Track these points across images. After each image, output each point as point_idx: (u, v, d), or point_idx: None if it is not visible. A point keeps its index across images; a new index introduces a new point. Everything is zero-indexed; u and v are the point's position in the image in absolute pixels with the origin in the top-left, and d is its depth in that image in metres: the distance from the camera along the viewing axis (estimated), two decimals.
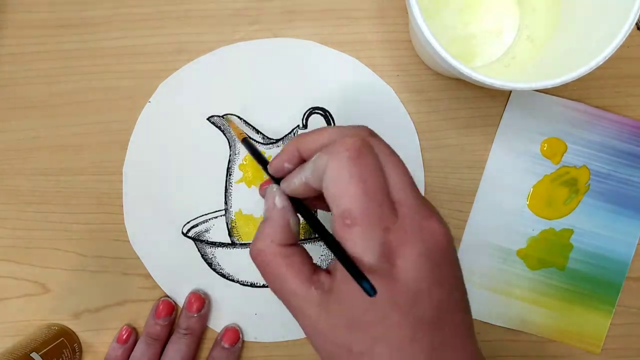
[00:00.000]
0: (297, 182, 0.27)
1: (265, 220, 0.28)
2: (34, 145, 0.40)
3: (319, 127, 0.29)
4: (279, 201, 0.28)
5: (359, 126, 0.28)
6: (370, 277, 0.23)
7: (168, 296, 0.40)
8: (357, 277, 0.23)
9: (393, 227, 0.24)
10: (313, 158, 0.26)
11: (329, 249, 0.25)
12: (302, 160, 0.28)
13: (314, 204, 0.30)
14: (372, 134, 0.27)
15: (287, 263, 0.26)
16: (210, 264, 0.40)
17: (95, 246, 0.40)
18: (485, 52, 0.39)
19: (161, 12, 0.40)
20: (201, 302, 0.39)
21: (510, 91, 0.40)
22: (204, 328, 0.40)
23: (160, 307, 0.39)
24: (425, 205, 0.26)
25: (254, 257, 0.27)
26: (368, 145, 0.26)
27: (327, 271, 0.26)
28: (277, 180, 0.30)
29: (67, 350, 0.38)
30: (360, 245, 0.24)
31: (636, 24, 0.31)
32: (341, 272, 0.25)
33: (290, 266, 0.26)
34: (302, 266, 0.26)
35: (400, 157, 0.27)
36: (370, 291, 0.22)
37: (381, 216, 0.24)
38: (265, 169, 0.31)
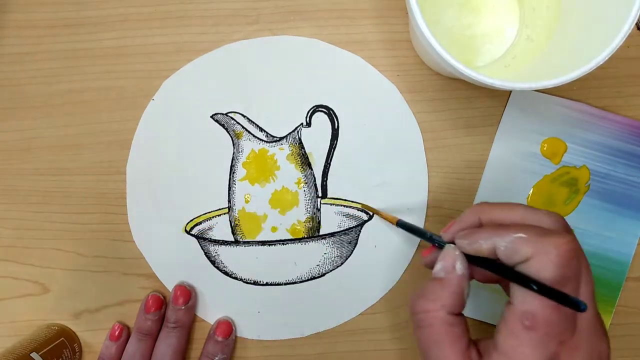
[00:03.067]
0: (486, 247, 0.27)
1: (439, 280, 0.28)
2: (34, 145, 0.40)
3: (504, 202, 0.29)
4: (460, 267, 0.27)
5: (555, 216, 0.27)
6: None
7: (157, 291, 0.40)
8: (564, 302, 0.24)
9: (568, 341, 0.25)
10: (513, 236, 0.26)
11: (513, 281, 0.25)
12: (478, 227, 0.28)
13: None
14: (571, 230, 0.27)
15: (450, 333, 0.26)
16: (213, 262, 0.40)
17: (95, 246, 0.40)
18: (485, 52, 0.39)
19: (161, 12, 0.40)
20: (187, 294, 0.39)
21: (510, 91, 0.40)
22: (192, 320, 0.39)
23: (150, 302, 0.38)
24: (600, 322, 0.26)
25: (417, 313, 0.27)
26: (577, 253, 0.25)
27: (478, 350, 0.27)
28: (439, 244, 0.30)
29: (67, 350, 0.38)
30: (530, 350, 0.24)
31: (636, 24, 0.31)
32: (497, 355, 0.25)
33: (452, 336, 0.26)
34: (461, 338, 0.26)
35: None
36: (582, 304, 0.23)
37: (562, 329, 0.25)
38: (428, 239, 0.31)
